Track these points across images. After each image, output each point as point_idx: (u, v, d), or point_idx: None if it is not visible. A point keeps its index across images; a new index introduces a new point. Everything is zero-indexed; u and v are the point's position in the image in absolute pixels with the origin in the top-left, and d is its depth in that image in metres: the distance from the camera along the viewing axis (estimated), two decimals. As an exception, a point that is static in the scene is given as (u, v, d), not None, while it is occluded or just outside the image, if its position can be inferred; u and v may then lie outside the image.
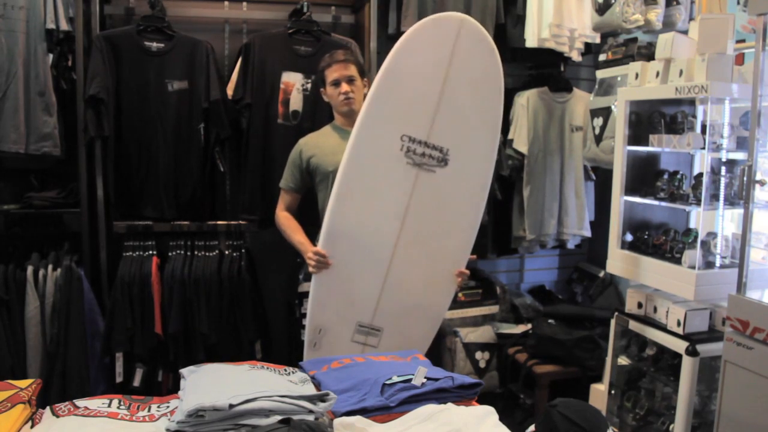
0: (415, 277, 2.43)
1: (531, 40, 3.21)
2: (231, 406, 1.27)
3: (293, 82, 3.00)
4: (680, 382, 2.44)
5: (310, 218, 2.65)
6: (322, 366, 1.72)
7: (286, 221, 2.61)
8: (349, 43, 3.08)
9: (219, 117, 2.90)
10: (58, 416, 1.38)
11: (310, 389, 1.50)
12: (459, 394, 1.58)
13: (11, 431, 1.29)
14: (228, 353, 2.75)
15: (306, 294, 2.49)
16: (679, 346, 2.45)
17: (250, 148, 2.97)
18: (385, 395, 1.51)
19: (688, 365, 2.41)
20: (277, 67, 2.98)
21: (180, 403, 1.37)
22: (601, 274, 3.61)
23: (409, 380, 1.55)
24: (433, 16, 2.36)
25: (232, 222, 3.02)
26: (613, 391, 2.84)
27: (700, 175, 2.53)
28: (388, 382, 1.54)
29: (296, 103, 3.01)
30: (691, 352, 2.40)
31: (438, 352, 3.22)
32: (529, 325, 3.35)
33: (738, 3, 2.73)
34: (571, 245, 3.60)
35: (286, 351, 3.11)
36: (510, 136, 3.42)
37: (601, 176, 3.54)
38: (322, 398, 1.38)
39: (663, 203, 2.68)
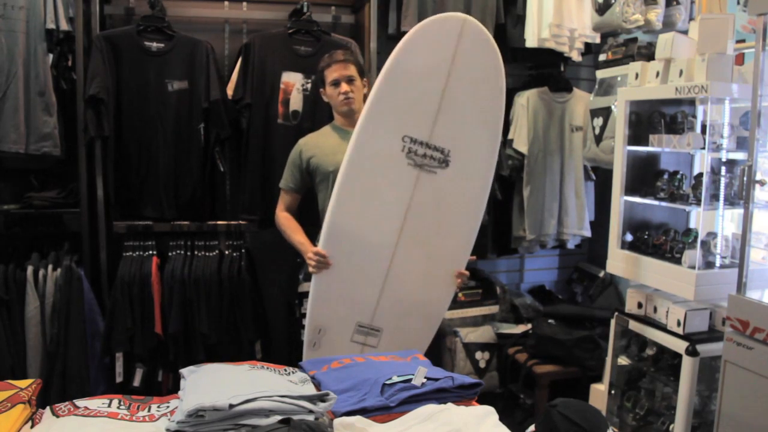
0: (414, 278, 2.43)
1: (531, 40, 3.21)
2: (231, 406, 1.27)
3: (293, 82, 3.00)
4: (680, 382, 2.44)
5: (310, 218, 2.65)
6: (322, 366, 1.72)
7: (286, 221, 2.60)
8: (349, 43, 3.08)
9: (219, 117, 2.90)
10: (58, 416, 1.38)
11: (310, 389, 1.50)
12: (459, 394, 1.58)
13: (11, 431, 1.29)
14: (228, 353, 2.75)
15: (306, 294, 2.49)
16: (679, 346, 2.45)
17: (250, 148, 2.97)
18: (385, 395, 1.51)
19: (688, 365, 2.41)
20: (277, 67, 2.98)
21: (180, 403, 1.37)
22: (601, 274, 3.61)
23: (409, 380, 1.55)
24: (435, 16, 2.35)
25: (232, 222, 3.02)
26: (613, 391, 2.84)
27: (700, 175, 2.53)
28: (388, 382, 1.54)
29: (296, 103, 3.01)
30: (691, 352, 2.40)
31: (438, 352, 3.22)
32: (529, 325, 3.35)
33: (738, 3, 2.73)
34: (571, 245, 3.60)
35: (286, 351, 3.11)
36: (510, 136, 3.42)
37: (601, 176, 3.54)
38: (322, 398, 1.38)
39: (663, 203, 2.68)
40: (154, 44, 2.87)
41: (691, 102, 2.63)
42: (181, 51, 2.89)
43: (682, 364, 2.43)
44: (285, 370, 1.62)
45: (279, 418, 1.28)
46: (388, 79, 2.28)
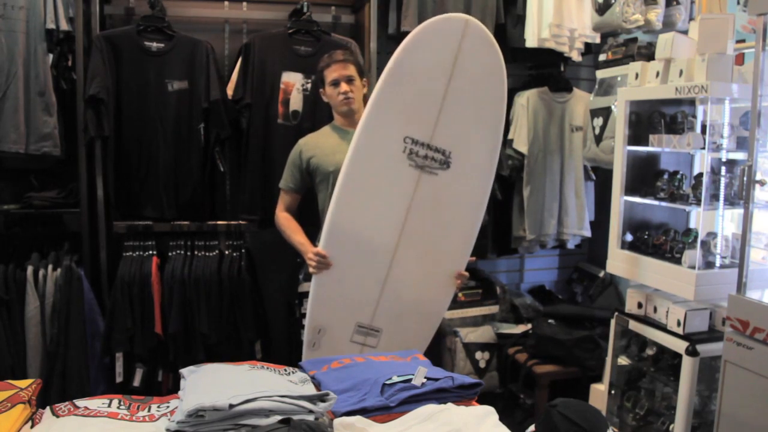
0: (414, 279, 2.43)
1: (531, 40, 3.21)
2: (231, 406, 1.27)
3: (293, 82, 3.00)
4: (680, 382, 2.44)
5: (310, 218, 2.65)
6: (322, 366, 1.72)
7: (286, 222, 2.60)
8: (349, 43, 3.08)
9: (219, 117, 2.90)
10: (58, 416, 1.38)
11: (310, 389, 1.50)
12: (459, 394, 1.58)
13: (11, 431, 1.29)
14: (228, 353, 2.75)
15: (306, 294, 2.49)
16: (679, 346, 2.45)
17: (250, 148, 2.97)
18: (385, 395, 1.51)
19: (688, 365, 2.41)
20: (277, 67, 2.98)
21: (180, 403, 1.37)
22: (601, 274, 3.61)
23: (409, 380, 1.55)
24: (438, 17, 2.34)
25: (232, 222, 3.02)
26: (613, 391, 2.84)
27: (700, 175, 2.53)
28: (388, 382, 1.54)
29: (296, 103, 3.01)
30: (691, 352, 2.40)
31: (438, 352, 3.23)
32: (529, 325, 3.35)
33: (738, 3, 2.73)
34: (571, 245, 3.60)
35: (286, 351, 3.11)
36: (510, 136, 3.41)
37: (601, 176, 3.54)
38: (322, 398, 1.38)
39: (663, 203, 2.68)
40: (154, 44, 2.87)
41: (691, 102, 2.63)
42: (181, 51, 2.89)
43: (682, 364, 2.43)
44: (285, 370, 1.62)
45: (279, 418, 1.28)
46: (389, 79, 2.28)
